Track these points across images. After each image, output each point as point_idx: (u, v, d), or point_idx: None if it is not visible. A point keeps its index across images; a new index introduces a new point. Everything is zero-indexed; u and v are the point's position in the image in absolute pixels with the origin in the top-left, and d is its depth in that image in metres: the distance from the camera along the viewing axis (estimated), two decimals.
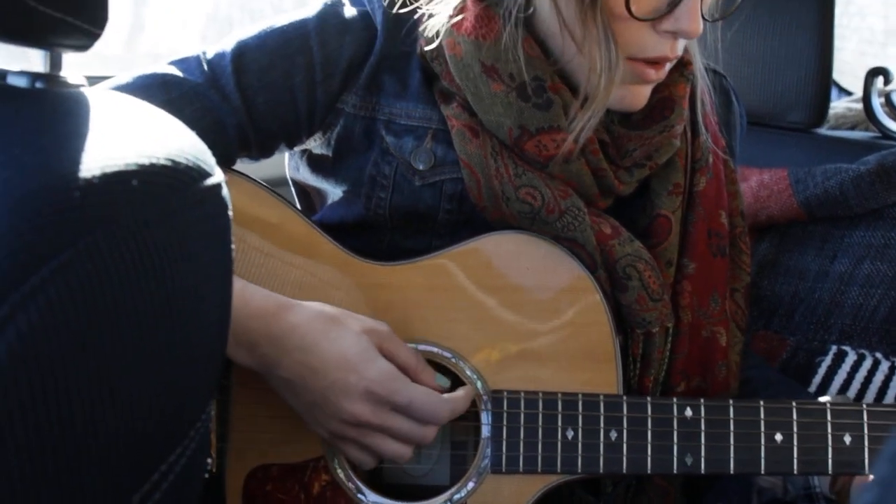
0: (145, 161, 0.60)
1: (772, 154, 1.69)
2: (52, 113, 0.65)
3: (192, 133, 0.69)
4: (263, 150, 1.20)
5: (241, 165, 1.22)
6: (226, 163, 1.18)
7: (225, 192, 0.67)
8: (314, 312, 1.08)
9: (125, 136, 0.62)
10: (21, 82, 0.71)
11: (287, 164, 1.33)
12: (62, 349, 0.52)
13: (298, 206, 1.37)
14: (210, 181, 0.65)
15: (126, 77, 1.14)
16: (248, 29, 1.17)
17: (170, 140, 0.64)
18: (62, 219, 0.54)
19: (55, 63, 0.73)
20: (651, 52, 1.07)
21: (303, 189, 1.35)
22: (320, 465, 1.14)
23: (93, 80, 1.80)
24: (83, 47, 0.72)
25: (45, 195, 0.54)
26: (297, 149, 1.25)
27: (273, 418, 1.14)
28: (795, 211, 1.58)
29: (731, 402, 1.11)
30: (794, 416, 1.10)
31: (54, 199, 0.54)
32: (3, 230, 0.52)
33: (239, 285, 1.08)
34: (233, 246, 0.68)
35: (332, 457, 1.14)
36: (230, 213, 0.68)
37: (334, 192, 1.24)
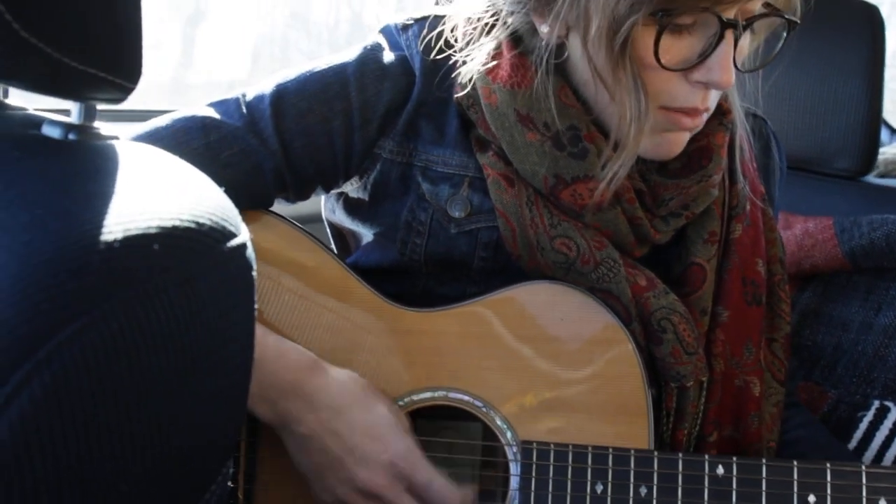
0: (168, 224, 0.60)
1: (817, 201, 1.67)
2: (80, 170, 0.65)
3: (219, 191, 0.70)
4: (300, 193, 1.20)
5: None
6: (263, 205, 1.19)
7: (249, 251, 0.67)
8: (348, 377, 1.10)
9: (150, 196, 0.63)
10: (55, 133, 0.72)
11: (323, 205, 1.33)
12: (74, 416, 0.53)
13: (334, 246, 1.37)
14: (234, 242, 0.65)
15: (166, 119, 1.16)
16: (288, 71, 1.18)
17: (195, 201, 0.64)
18: (78, 286, 0.54)
19: (90, 114, 0.74)
20: (683, 102, 1.06)
21: (339, 230, 1.35)
22: None
23: (139, 114, 1.84)
24: (117, 100, 0.73)
25: (62, 261, 0.55)
26: (333, 192, 1.25)
27: None
28: (840, 261, 1.56)
29: (763, 461, 1.09)
30: (829, 478, 1.08)
31: (72, 265, 0.55)
32: (20, 297, 0.53)
33: (273, 339, 1.09)
34: (256, 305, 0.68)
35: None
36: (254, 273, 0.68)
37: (369, 235, 1.25)
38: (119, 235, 0.57)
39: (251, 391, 1.03)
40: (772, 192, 1.33)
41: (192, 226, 0.61)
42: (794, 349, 1.54)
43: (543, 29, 1.07)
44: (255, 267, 0.68)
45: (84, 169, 0.66)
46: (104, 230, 0.57)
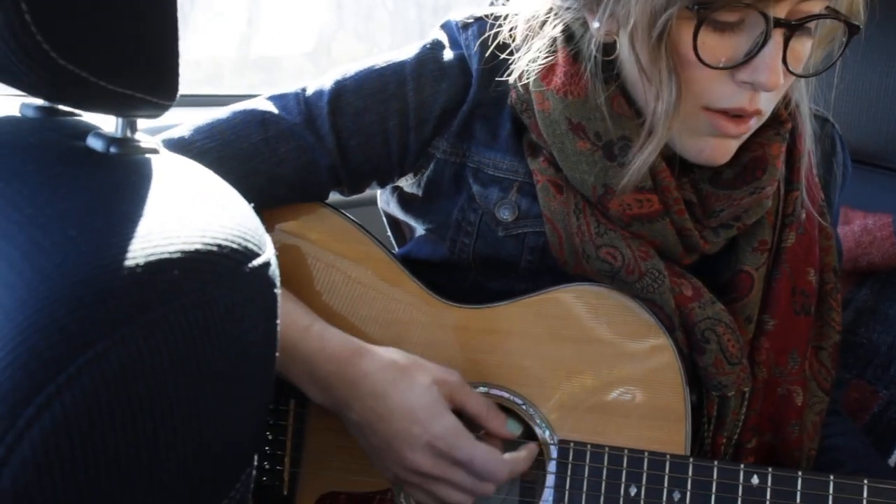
0: (190, 248, 0.63)
1: (879, 196, 1.64)
2: (115, 188, 0.69)
3: (247, 207, 0.73)
4: (355, 188, 1.23)
5: None
6: (317, 198, 1.22)
7: (272, 269, 0.70)
8: (387, 361, 1.11)
9: (176, 218, 0.65)
10: (98, 146, 0.75)
11: (379, 196, 1.36)
12: (93, 436, 0.56)
13: (390, 234, 1.41)
14: (257, 262, 0.68)
15: (226, 111, 1.18)
16: (349, 67, 1.20)
17: (220, 222, 0.67)
18: (101, 309, 0.57)
19: (131, 126, 0.77)
20: (727, 103, 1.03)
21: (394, 220, 1.38)
22: (387, 498, 1.18)
23: (206, 99, 1.88)
24: (154, 116, 0.76)
25: (89, 285, 0.58)
26: (388, 186, 1.27)
27: (344, 448, 1.17)
28: None
29: (799, 473, 1.09)
30: (865, 495, 1.07)
31: (97, 288, 0.58)
32: (48, 320, 0.56)
33: (318, 327, 1.12)
34: (278, 321, 0.71)
35: (398, 491, 1.17)
36: (276, 290, 0.70)
37: (421, 229, 1.27)
38: (142, 260, 0.60)
39: (303, 379, 1.09)
40: (832, 198, 1.31)
41: (214, 248, 0.64)
42: (848, 347, 1.53)
43: (594, 25, 1.07)
44: (278, 284, 0.71)
45: (119, 187, 0.69)
46: (129, 254, 0.60)
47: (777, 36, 0.98)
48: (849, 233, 1.59)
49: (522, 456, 1.12)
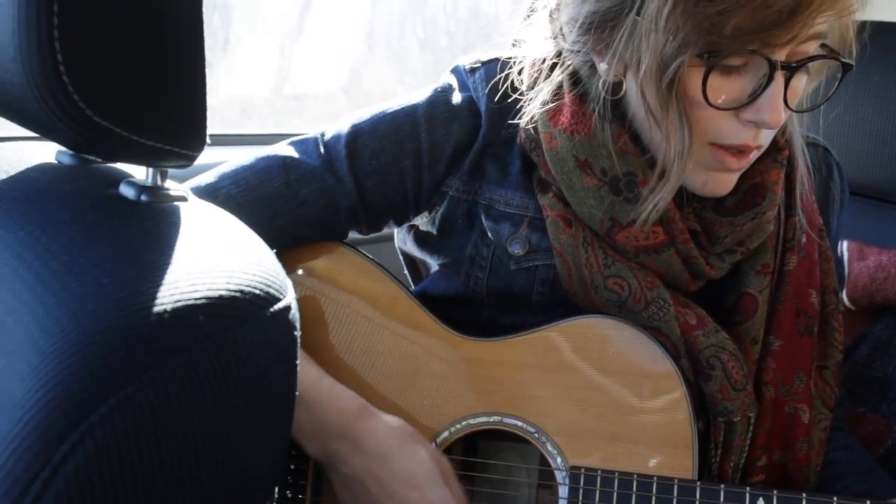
0: (214, 294, 0.67)
1: (894, 233, 1.67)
2: (146, 236, 0.74)
3: (269, 253, 0.77)
4: (372, 227, 1.28)
5: None
6: (337, 237, 1.27)
7: (293, 313, 0.75)
8: (392, 425, 1.16)
9: (202, 266, 0.70)
10: (129, 193, 0.81)
11: (396, 235, 1.41)
12: (123, 471, 0.61)
13: (406, 272, 1.46)
14: (278, 306, 0.72)
15: (249, 158, 1.24)
16: (364, 111, 1.25)
17: (243, 268, 0.72)
18: (130, 354, 0.62)
19: (161, 175, 0.82)
20: (733, 140, 1.08)
21: (410, 258, 1.43)
22: None
23: (240, 138, 1.93)
24: (183, 167, 0.81)
25: (119, 330, 0.63)
26: (404, 225, 1.32)
27: None
28: None
29: (804, 495, 1.13)
30: None
31: (126, 333, 0.63)
32: (81, 364, 0.61)
33: (328, 382, 1.17)
34: (298, 362, 0.75)
35: None
36: (296, 332, 0.75)
37: (437, 266, 1.32)
38: (169, 307, 0.65)
39: (304, 429, 1.12)
40: (830, 222, 1.35)
41: (238, 294, 0.69)
42: (864, 381, 1.55)
43: (602, 66, 1.11)
44: (298, 327, 0.75)
45: (149, 235, 0.74)
46: (157, 301, 0.65)
47: (779, 77, 1.02)
48: (864, 269, 1.61)
49: None
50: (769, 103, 1.03)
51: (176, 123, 0.76)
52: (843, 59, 1.07)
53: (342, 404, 1.15)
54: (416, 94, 1.25)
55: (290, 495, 1.23)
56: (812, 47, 1.04)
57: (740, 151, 1.10)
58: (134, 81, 0.72)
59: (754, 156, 1.13)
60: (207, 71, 0.76)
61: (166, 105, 0.75)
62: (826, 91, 1.13)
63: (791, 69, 1.02)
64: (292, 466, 1.23)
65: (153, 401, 0.62)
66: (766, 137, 1.11)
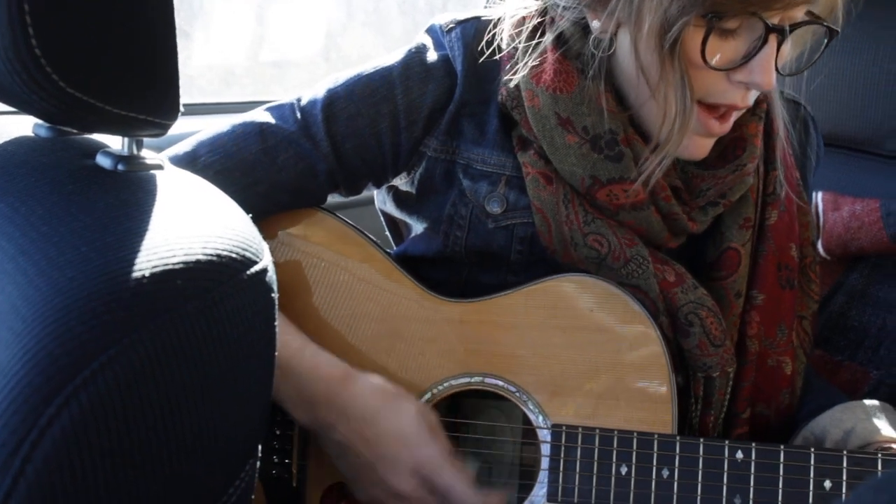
0: (191, 258, 0.69)
1: (867, 183, 1.69)
2: (122, 205, 0.75)
3: (245, 218, 0.79)
4: (351, 190, 1.29)
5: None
6: (316, 202, 1.29)
7: (270, 275, 0.76)
8: (376, 386, 1.18)
9: (178, 231, 0.72)
10: (106, 164, 0.82)
11: (376, 196, 1.42)
12: (109, 431, 0.62)
13: (388, 232, 1.47)
14: (254, 269, 0.74)
15: (226, 125, 1.25)
16: (339, 75, 1.26)
17: (219, 233, 0.73)
18: (111, 319, 0.63)
19: (137, 144, 0.83)
20: (721, 99, 1.11)
21: (391, 218, 1.44)
22: None
23: (219, 106, 1.93)
24: (158, 135, 0.82)
25: (100, 296, 0.64)
26: (383, 186, 1.33)
27: None
28: (885, 244, 1.59)
29: (781, 447, 1.15)
30: (845, 465, 1.13)
31: (106, 300, 0.64)
32: (64, 329, 0.63)
33: (310, 350, 1.19)
34: (276, 324, 0.77)
35: None
36: (274, 295, 0.76)
37: (417, 226, 1.33)
38: (147, 272, 0.66)
39: (291, 399, 1.14)
40: (807, 177, 1.38)
41: (214, 258, 0.70)
42: (840, 330, 1.58)
43: (595, 24, 1.12)
44: (275, 289, 0.77)
45: (126, 203, 0.75)
46: (136, 267, 0.66)
47: (772, 40, 1.05)
48: (838, 219, 1.63)
49: (494, 497, 1.17)
50: (761, 65, 1.06)
51: (149, 92, 0.77)
52: (830, 26, 1.09)
53: (324, 371, 1.17)
54: (391, 55, 1.25)
55: (276, 460, 1.25)
56: (800, 13, 1.06)
57: (722, 116, 1.12)
58: (106, 52, 0.73)
59: (734, 118, 1.15)
60: (184, 40, 0.78)
61: (139, 74, 0.76)
62: (811, 56, 1.15)
63: (783, 33, 1.05)
64: (278, 432, 1.25)
65: (135, 362, 0.63)
66: (751, 99, 1.13)
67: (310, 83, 1.29)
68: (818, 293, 1.33)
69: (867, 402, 1.25)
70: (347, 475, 1.19)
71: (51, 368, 0.61)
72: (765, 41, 1.04)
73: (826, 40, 1.11)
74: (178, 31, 0.76)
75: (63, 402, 0.61)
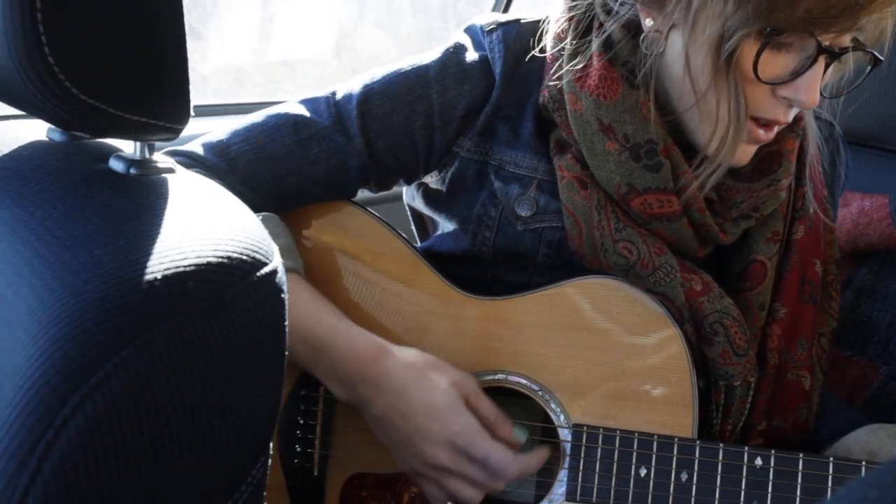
0: (202, 261, 0.70)
1: (876, 178, 1.67)
2: (136, 208, 0.75)
3: (255, 220, 0.80)
4: (382, 186, 1.30)
5: None
6: (346, 196, 1.29)
7: (280, 276, 0.77)
8: (409, 361, 1.18)
9: (189, 234, 0.72)
10: (119, 167, 0.83)
11: (405, 192, 1.43)
12: (122, 430, 0.63)
13: (414, 228, 1.48)
14: (264, 270, 0.74)
15: (260, 116, 1.25)
16: (376, 71, 1.26)
17: (229, 235, 0.74)
18: (124, 320, 0.64)
19: (149, 148, 0.84)
20: (765, 114, 1.11)
21: (418, 214, 1.45)
22: (411, 479, 1.24)
23: (231, 108, 1.93)
24: (169, 139, 0.83)
25: (113, 299, 0.65)
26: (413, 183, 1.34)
27: (370, 432, 1.23)
28: (894, 240, 1.57)
29: (801, 455, 1.15)
30: (863, 475, 1.12)
31: (120, 302, 0.65)
32: (79, 331, 0.63)
33: (344, 326, 1.19)
34: (286, 323, 0.77)
35: None
36: (284, 296, 0.77)
37: (445, 224, 1.34)
38: (159, 275, 0.67)
39: (328, 375, 1.17)
40: (835, 195, 1.38)
41: (225, 260, 0.71)
42: (849, 325, 1.58)
43: (648, 23, 1.12)
44: (285, 290, 0.77)
45: (139, 207, 0.76)
46: (148, 270, 0.67)
47: (821, 61, 1.05)
48: (847, 214, 1.63)
49: (533, 458, 1.18)
50: (808, 84, 1.06)
51: (160, 98, 0.77)
52: (876, 54, 1.10)
53: (359, 349, 1.17)
54: (429, 54, 1.26)
55: (299, 449, 1.26)
56: (848, 38, 1.07)
57: (767, 125, 1.13)
58: (117, 59, 0.74)
59: (776, 130, 1.15)
60: (197, 41, 0.78)
61: (150, 81, 0.76)
62: (853, 81, 1.15)
63: (834, 55, 1.05)
64: (301, 422, 1.26)
65: (148, 363, 0.64)
66: (792, 115, 1.14)
67: (321, 82, 1.30)
68: (837, 311, 1.33)
69: (893, 426, 1.24)
70: (390, 448, 1.20)
71: (66, 369, 0.62)
72: (815, 60, 1.05)
73: (869, 67, 1.11)
74: (190, 32, 0.77)
75: (78, 401, 0.61)
